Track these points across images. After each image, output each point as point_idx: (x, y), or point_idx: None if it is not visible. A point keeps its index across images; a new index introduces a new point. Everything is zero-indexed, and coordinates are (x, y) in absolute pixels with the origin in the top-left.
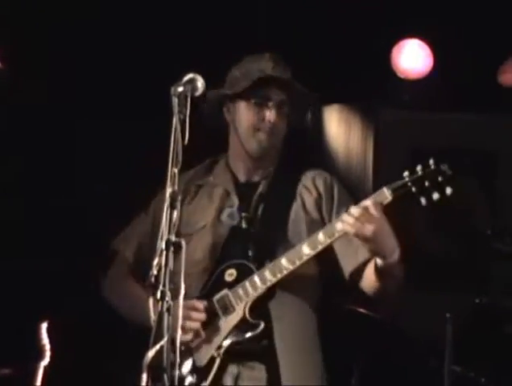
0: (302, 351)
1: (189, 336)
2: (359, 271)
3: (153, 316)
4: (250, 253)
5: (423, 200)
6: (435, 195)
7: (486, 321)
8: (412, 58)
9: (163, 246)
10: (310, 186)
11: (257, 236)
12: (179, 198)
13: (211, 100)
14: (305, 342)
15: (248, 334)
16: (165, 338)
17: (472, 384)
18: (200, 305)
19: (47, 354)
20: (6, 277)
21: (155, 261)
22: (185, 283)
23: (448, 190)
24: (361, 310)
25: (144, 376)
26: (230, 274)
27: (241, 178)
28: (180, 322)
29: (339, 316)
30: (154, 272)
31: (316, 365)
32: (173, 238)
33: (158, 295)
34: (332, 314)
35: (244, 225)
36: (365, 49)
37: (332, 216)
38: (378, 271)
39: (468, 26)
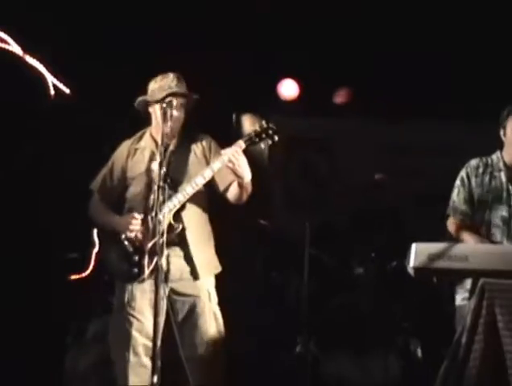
0: (202, 233)
1: (134, 233)
2: (228, 187)
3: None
4: (168, 186)
5: (262, 145)
6: (269, 142)
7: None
8: (287, 89)
9: (156, 188)
10: (199, 143)
11: (171, 176)
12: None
13: (141, 102)
14: (205, 231)
15: (174, 232)
16: (155, 240)
17: (321, 262)
18: (137, 215)
19: (97, 245)
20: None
21: (151, 196)
22: (133, 205)
23: (275, 138)
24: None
25: (146, 259)
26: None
27: (159, 140)
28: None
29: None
30: (152, 202)
31: (212, 245)
32: (161, 183)
33: (153, 213)
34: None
35: (164, 170)
36: (266, 84)
37: (210, 159)
38: (239, 186)
39: (321, 71)
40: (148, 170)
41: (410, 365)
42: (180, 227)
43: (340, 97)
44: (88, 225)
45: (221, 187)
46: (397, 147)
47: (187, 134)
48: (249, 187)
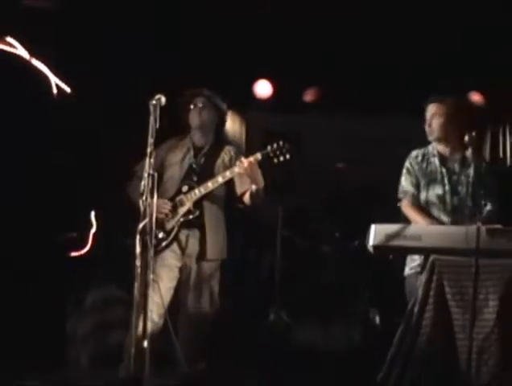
0: (217, 224)
1: (163, 215)
2: (244, 192)
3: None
4: (195, 179)
5: (275, 160)
6: (281, 159)
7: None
8: (262, 89)
9: (146, 175)
10: (227, 152)
11: (199, 172)
12: (153, 157)
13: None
14: (218, 221)
15: (191, 216)
16: (147, 219)
17: (292, 241)
18: (167, 201)
19: (94, 226)
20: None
21: (142, 182)
22: (165, 188)
23: (287, 156)
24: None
25: (138, 237)
26: (185, 188)
27: (196, 142)
28: (156, 208)
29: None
30: (142, 188)
31: (223, 236)
32: (151, 172)
33: (144, 197)
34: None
35: (194, 166)
36: (244, 84)
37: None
38: (252, 193)
39: (293, 72)
40: (181, 161)
41: (369, 331)
42: (197, 212)
43: (309, 96)
44: (87, 209)
45: (239, 192)
46: (359, 140)
47: (219, 143)
48: (261, 193)
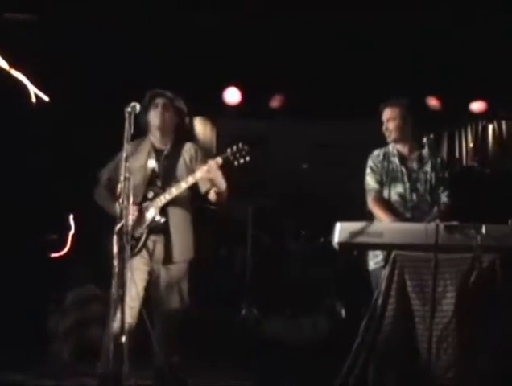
0: (183, 226)
1: (131, 221)
2: (207, 191)
3: (115, 212)
4: (159, 184)
5: (235, 163)
6: (241, 161)
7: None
8: (231, 96)
9: (122, 178)
10: (188, 150)
11: (162, 175)
12: (129, 158)
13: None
14: (185, 225)
15: (158, 221)
16: (121, 222)
17: (261, 240)
18: (134, 207)
19: (73, 228)
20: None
21: (119, 185)
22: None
23: (247, 158)
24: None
25: (115, 238)
26: (150, 194)
27: (156, 144)
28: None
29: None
30: (119, 190)
31: (190, 236)
32: (127, 175)
33: (120, 200)
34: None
35: (157, 170)
36: (214, 92)
37: (196, 166)
38: (216, 193)
39: (259, 81)
40: (144, 166)
41: (335, 323)
42: (163, 219)
43: (275, 102)
44: (66, 211)
45: (202, 191)
46: (320, 143)
47: (179, 142)
48: (224, 193)
